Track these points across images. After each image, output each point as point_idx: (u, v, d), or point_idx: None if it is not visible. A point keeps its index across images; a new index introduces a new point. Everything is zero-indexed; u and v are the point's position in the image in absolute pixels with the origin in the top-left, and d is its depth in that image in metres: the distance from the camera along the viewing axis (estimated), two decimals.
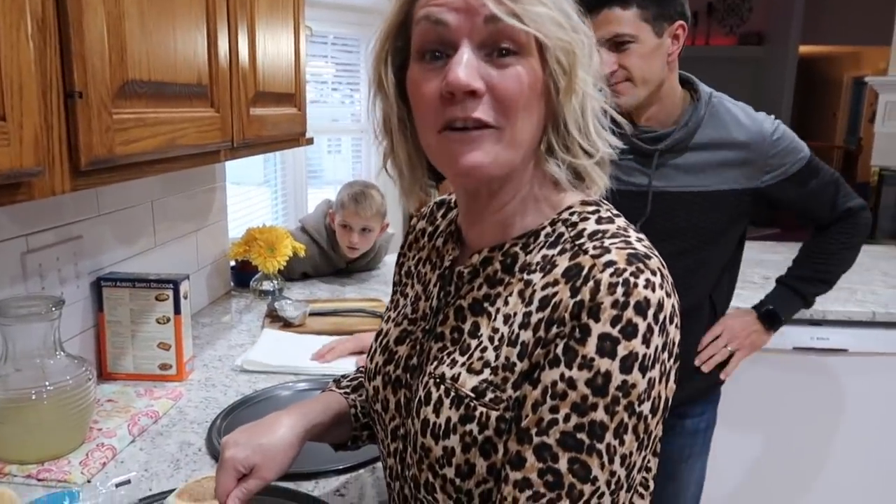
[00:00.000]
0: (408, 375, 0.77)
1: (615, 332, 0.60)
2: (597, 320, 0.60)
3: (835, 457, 2.11)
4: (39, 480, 1.03)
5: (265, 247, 1.99)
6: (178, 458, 1.12)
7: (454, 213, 0.83)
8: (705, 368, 1.50)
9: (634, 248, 0.64)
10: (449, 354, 0.72)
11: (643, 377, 0.61)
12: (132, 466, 1.09)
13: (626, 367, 0.60)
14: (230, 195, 2.12)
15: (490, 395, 0.66)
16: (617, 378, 0.60)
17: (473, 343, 0.70)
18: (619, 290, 0.60)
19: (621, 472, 0.62)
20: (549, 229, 0.70)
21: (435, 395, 0.69)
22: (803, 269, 1.54)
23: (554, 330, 0.63)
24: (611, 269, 0.61)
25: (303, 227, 2.25)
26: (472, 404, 0.66)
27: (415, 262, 0.87)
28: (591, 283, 0.62)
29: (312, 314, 1.83)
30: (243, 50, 1.28)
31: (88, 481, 1.04)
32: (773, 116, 1.40)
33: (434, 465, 0.69)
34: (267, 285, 2.04)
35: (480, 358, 0.68)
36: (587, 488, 0.61)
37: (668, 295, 0.63)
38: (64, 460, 1.07)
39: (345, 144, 3.62)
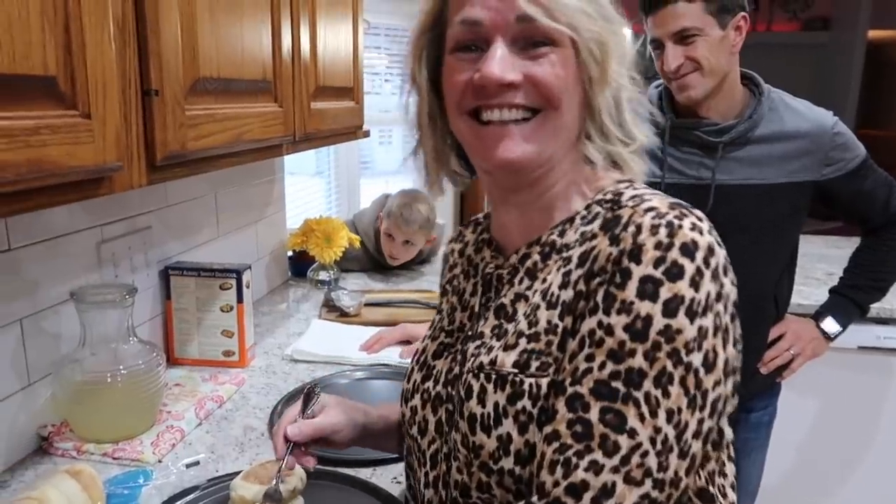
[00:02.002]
0: (449, 389, 0.73)
1: (658, 273, 0.57)
2: (638, 262, 0.58)
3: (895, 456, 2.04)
4: (115, 459, 1.08)
5: (322, 237, 2.03)
6: (242, 441, 1.16)
7: (484, 224, 0.84)
8: (764, 370, 1.49)
9: (677, 200, 0.63)
10: (485, 346, 0.70)
11: (691, 323, 0.57)
12: (199, 448, 1.14)
13: (669, 310, 0.57)
14: (286, 186, 2.16)
15: (535, 364, 0.63)
16: (659, 322, 0.57)
17: (510, 327, 0.68)
18: (663, 230, 0.58)
19: (668, 431, 0.57)
20: (584, 212, 0.69)
21: (477, 386, 0.67)
22: (857, 278, 1.54)
23: (596, 280, 0.61)
24: (652, 213, 0.60)
25: (354, 227, 2.26)
26: (518, 379, 0.64)
27: (449, 280, 0.86)
28: (631, 228, 0.60)
29: (367, 304, 1.86)
30: (305, 45, 1.31)
31: (160, 461, 1.09)
32: (831, 113, 1.39)
33: (487, 461, 0.65)
34: (323, 275, 2.09)
35: (515, 333, 0.66)
36: (623, 440, 0.56)
37: (720, 245, 0.60)
38: (136, 440, 1.12)
39: (396, 135, 3.64)
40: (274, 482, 0.86)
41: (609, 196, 0.69)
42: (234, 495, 0.91)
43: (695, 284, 0.57)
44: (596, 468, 0.56)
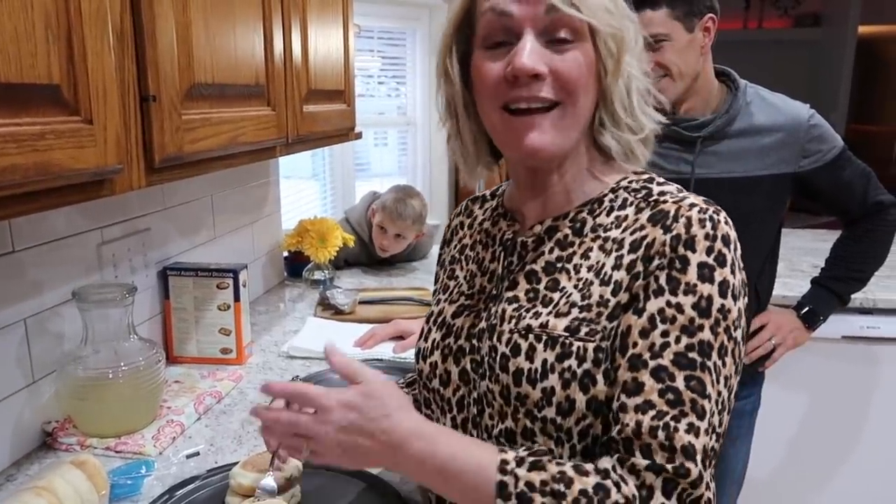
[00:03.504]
0: (472, 342, 0.81)
1: (710, 260, 0.67)
2: (693, 251, 0.68)
3: (882, 447, 2.08)
4: (117, 452, 1.12)
5: (317, 238, 2.07)
6: (240, 434, 1.20)
7: (493, 202, 0.91)
8: (747, 360, 1.52)
9: (704, 198, 0.73)
10: (528, 311, 0.76)
11: (735, 304, 0.68)
12: (199, 441, 1.18)
13: (723, 291, 0.67)
14: (281, 189, 2.20)
15: (584, 330, 0.71)
16: (717, 301, 0.67)
17: (556, 295, 0.75)
18: (708, 224, 0.68)
19: (725, 393, 0.68)
20: (611, 195, 0.77)
21: (525, 345, 0.74)
22: (836, 268, 1.58)
23: (655, 262, 0.69)
24: (697, 208, 0.69)
25: (347, 219, 2.34)
26: (568, 341, 0.71)
27: (458, 249, 0.93)
28: (682, 220, 0.69)
29: (362, 302, 1.90)
30: (296, 49, 1.35)
31: (161, 453, 1.13)
32: (808, 105, 1.42)
33: (532, 409, 0.72)
34: (318, 275, 2.12)
35: (567, 303, 0.74)
36: (707, 404, 0.66)
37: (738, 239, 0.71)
38: (138, 434, 1.16)
39: (391, 137, 3.68)
40: (268, 475, 0.90)
41: (635, 185, 0.77)
42: (233, 483, 0.95)
43: (733, 272, 0.68)
44: (695, 430, 0.65)
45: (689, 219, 0.69)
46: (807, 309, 1.56)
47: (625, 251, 0.73)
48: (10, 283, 1.08)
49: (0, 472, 1.07)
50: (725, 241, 0.68)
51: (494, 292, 0.82)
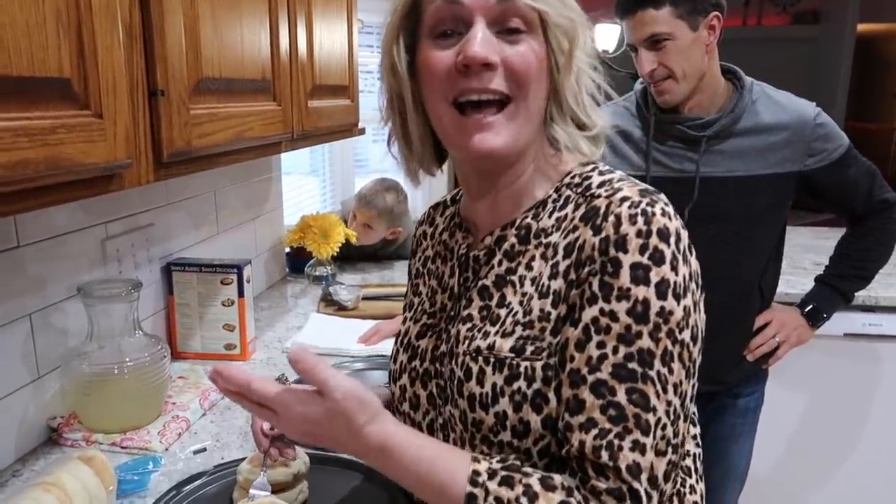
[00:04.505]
0: (436, 366, 0.78)
1: (645, 259, 0.62)
2: (625, 252, 0.63)
3: (884, 444, 2.08)
4: (123, 448, 1.12)
5: (319, 233, 2.07)
6: (245, 430, 1.20)
7: (452, 209, 0.87)
8: (750, 357, 1.53)
9: (643, 186, 0.68)
10: (479, 330, 0.73)
11: (678, 304, 0.63)
12: (204, 437, 1.17)
13: (661, 292, 0.62)
14: (283, 185, 2.20)
15: (530, 349, 0.68)
16: (655, 304, 0.62)
17: (503, 312, 0.72)
18: (640, 219, 0.63)
19: (676, 402, 0.63)
20: (554, 195, 0.73)
21: (475, 369, 0.71)
22: (841, 266, 1.57)
23: (585, 269, 0.65)
24: (627, 203, 0.64)
25: (341, 210, 2.40)
26: (515, 362, 0.68)
27: (422, 263, 0.89)
28: (611, 218, 0.64)
29: (365, 298, 1.90)
30: (302, 44, 1.34)
31: (167, 449, 1.12)
32: (814, 104, 1.42)
33: (488, 434, 0.70)
34: (321, 271, 2.12)
35: (512, 321, 0.70)
36: (652, 418, 0.62)
37: (683, 227, 0.66)
38: (144, 430, 1.16)
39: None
40: (261, 475, 0.90)
41: (577, 180, 0.73)
42: (240, 479, 0.95)
43: (674, 268, 0.63)
44: (640, 448, 0.62)
45: (618, 217, 0.64)
46: (811, 307, 1.56)
47: (559, 257, 0.68)
48: (15, 278, 1.08)
49: (6, 467, 1.07)
50: (663, 235, 0.63)
51: (453, 312, 0.78)
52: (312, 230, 2.08)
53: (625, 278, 0.63)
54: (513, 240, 0.74)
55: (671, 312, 0.62)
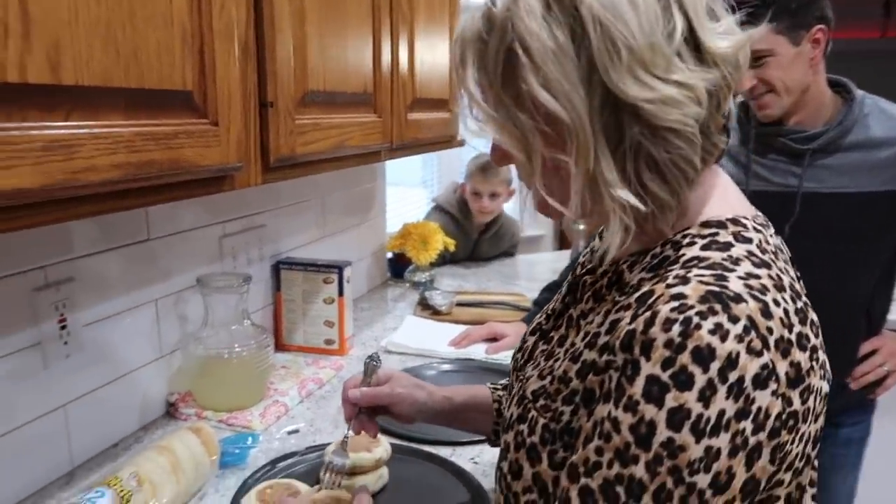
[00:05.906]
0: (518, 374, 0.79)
1: (665, 376, 0.51)
2: (647, 358, 0.52)
3: None
4: (228, 425, 1.23)
5: (419, 240, 2.16)
6: (337, 418, 1.29)
7: None
8: (854, 385, 1.44)
9: (724, 286, 0.53)
10: (540, 355, 0.73)
11: (696, 442, 0.50)
12: (300, 421, 1.27)
13: (673, 422, 0.51)
14: (389, 195, 2.31)
15: (542, 402, 0.65)
16: (662, 433, 0.51)
17: (557, 351, 0.69)
18: (676, 328, 0.51)
19: None
20: (657, 249, 0.63)
21: (517, 392, 0.71)
22: None
23: (605, 357, 0.58)
24: (675, 303, 0.52)
25: (436, 204, 2.54)
26: (528, 405, 0.66)
27: None
28: (648, 314, 0.53)
29: (459, 304, 1.96)
30: (403, 60, 1.43)
31: (266, 429, 1.23)
32: None
33: (505, 454, 0.69)
34: (419, 276, 2.21)
35: (551, 367, 0.67)
36: None
37: (756, 353, 0.51)
38: (247, 411, 1.27)
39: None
40: (344, 454, 0.93)
41: (684, 241, 0.61)
42: (327, 460, 1.02)
43: (704, 399, 0.50)
44: None
45: (654, 314, 0.52)
46: None
47: (603, 329, 0.60)
48: (145, 268, 1.22)
49: (129, 434, 1.21)
50: (699, 356, 0.50)
51: (546, 327, 0.78)
52: (413, 237, 2.17)
53: (638, 388, 0.52)
54: (605, 280, 0.68)
55: (682, 448, 0.50)
